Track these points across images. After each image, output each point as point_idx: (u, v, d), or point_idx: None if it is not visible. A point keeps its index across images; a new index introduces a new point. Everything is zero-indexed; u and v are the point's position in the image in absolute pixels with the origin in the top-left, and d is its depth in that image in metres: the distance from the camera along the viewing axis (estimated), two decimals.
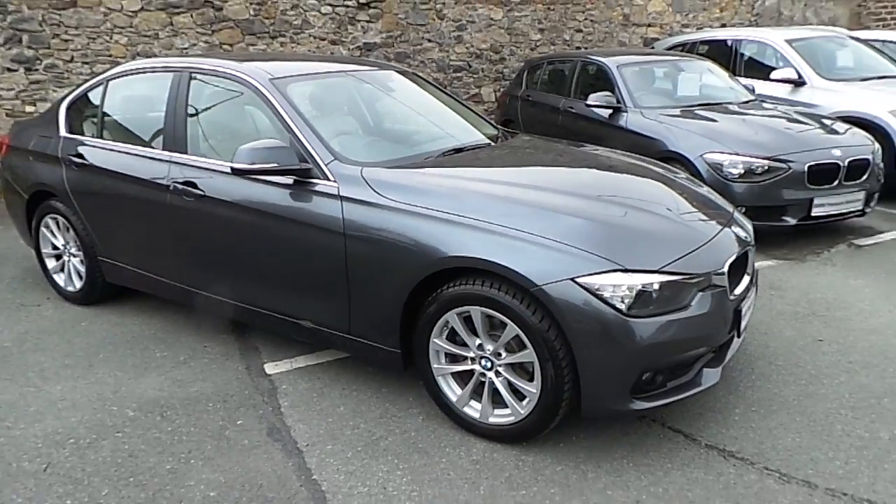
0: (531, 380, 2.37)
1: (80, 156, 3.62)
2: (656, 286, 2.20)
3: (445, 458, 2.44)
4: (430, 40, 8.25)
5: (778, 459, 2.37)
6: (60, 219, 3.83)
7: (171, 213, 3.19)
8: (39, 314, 3.84)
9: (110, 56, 6.73)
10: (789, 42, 6.99)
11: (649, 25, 9.71)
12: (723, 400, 2.77)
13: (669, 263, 2.26)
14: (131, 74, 3.62)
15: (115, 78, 3.67)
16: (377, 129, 3.36)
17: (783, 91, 6.78)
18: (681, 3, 9.84)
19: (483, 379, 2.50)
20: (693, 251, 2.35)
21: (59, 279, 4.02)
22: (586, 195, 2.58)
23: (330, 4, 7.60)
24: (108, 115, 3.66)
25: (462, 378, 2.59)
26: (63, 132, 3.81)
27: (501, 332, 2.39)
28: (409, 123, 3.49)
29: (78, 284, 3.90)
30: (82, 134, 3.75)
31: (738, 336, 2.55)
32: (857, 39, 7.50)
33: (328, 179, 2.75)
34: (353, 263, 2.64)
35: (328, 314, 2.82)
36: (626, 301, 2.16)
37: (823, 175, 4.68)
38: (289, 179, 2.82)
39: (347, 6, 7.69)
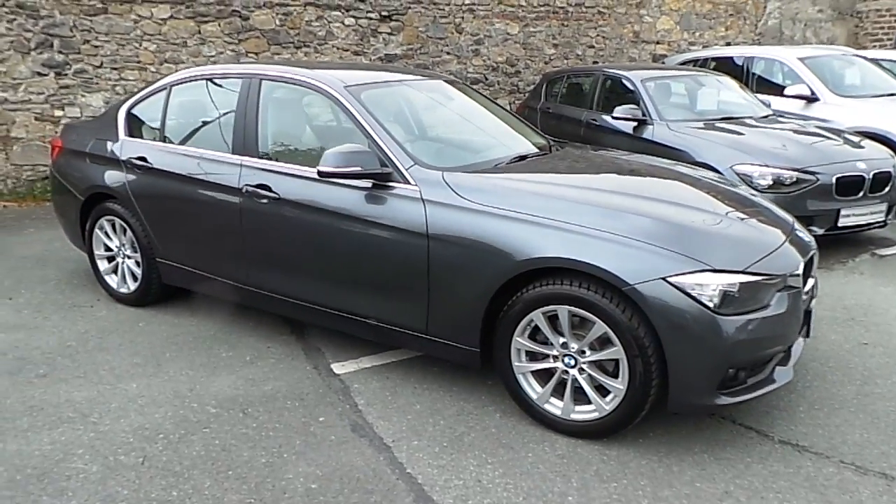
0: (615, 376, 2.47)
1: (144, 159, 3.68)
2: (741, 286, 2.31)
3: (531, 452, 2.53)
4: (448, 53, 8.40)
5: (850, 454, 2.49)
6: (117, 221, 3.88)
7: (243, 216, 3.27)
8: (94, 315, 3.88)
9: (139, 62, 6.79)
10: (801, 60, 7.21)
11: (658, 42, 9.94)
12: (785, 399, 2.89)
13: (752, 264, 2.38)
14: (196, 80, 3.70)
15: (178, 83, 3.74)
16: (442, 136, 3.46)
17: (796, 107, 6.97)
18: (688, 22, 10.10)
19: (565, 376, 2.59)
20: (771, 253, 2.48)
21: (112, 281, 4.06)
22: (660, 199, 2.70)
23: (353, 17, 7.72)
24: (172, 120, 3.73)
25: (540, 376, 2.68)
26: (123, 135, 3.88)
27: (584, 330, 2.49)
28: (469, 131, 3.60)
29: (132, 286, 3.95)
30: (143, 138, 3.82)
31: (808, 336, 2.67)
32: (864, 58, 7.75)
33: (408, 183, 2.84)
34: (436, 265, 2.73)
35: (404, 314, 2.90)
36: (715, 300, 2.28)
37: (849, 187, 4.85)
38: (367, 183, 2.91)
39: (370, 18, 7.82)
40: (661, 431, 2.64)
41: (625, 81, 6.39)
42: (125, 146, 3.82)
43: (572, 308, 2.46)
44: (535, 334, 2.63)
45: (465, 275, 2.67)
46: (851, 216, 4.90)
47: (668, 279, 2.29)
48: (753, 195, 3.21)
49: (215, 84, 3.64)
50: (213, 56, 7.06)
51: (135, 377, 3.12)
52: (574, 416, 2.59)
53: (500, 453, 2.53)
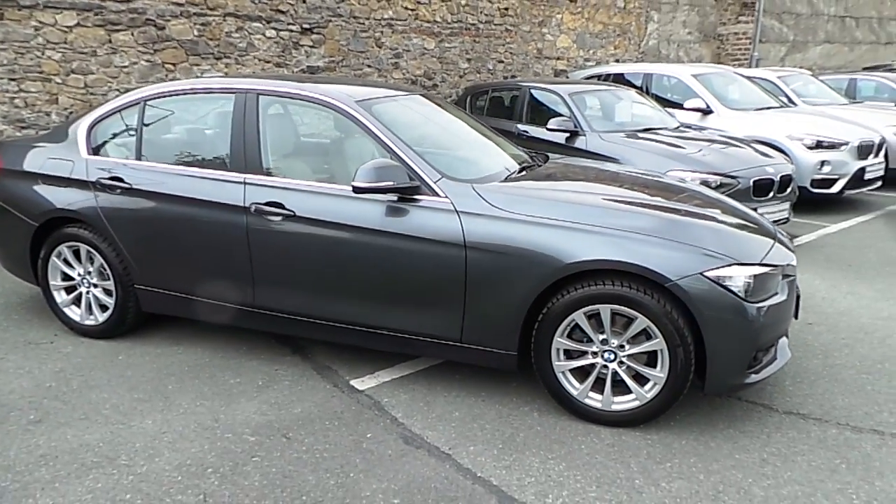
0: (654, 366, 2.70)
1: (119, 179, 3.41)
2: (760, 276, 2.63)
3: (583, 444, 2.69)
4: (369, 66, 8.42)
5: (843, 416, 2.90)
6: (82, 247, 3.55)
7: (250, 235, 3.14)
8: (59, 351, 3.51)
9: (41, 73, 6.16)
10: (694, 76, 8.06)
11: (558, 58, 10.61)
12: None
13: (764, 257, 2.71)
14: (174, 95, 3.49)
15: (153, 98, 3.50)
16: (443, 149, 3.55)
17: (693, 119, 7.78)
18: (583, 41, 10.87)
19: (604, 371, 2.78)
20: (772, 247, 2.83)
21: (73, 313, 3.69)
22: (676, 204, 2.98)
23: (274, 28, 7.53)
24: (150, 137, 3.48)
25: (577, 372, 2.85)
26: (85, 154, 3.56)
27: (619, 326, 2.70)
28: (462, 144, 3.71)
29: (101, 316, 3.62)
30: (113, 156, 3.53)
31: (796, 318, 3.06)
32: (741, 75, 8.80)
33: (437, 196, 2.91)
34: (475, 273, 2.82)
35: (436, 324, 2.96)
36: (743, 289, 2.58)
37: (763, 189, 5.54)
38: (392, 196, 2.94)
39: (291, 31, 7.66)
40: (684, 414, 2.91)
41: (552, 95, 6.81)
42: (92, 165, 3.51)
43: (614, 306, 2.66)
44: (572, 333, 2.80)
45: (505, 281, 2.78)
46: (764, 215, 5.58)
47: (705, 274, 2.56)
48: (730, 199, 3.60)
49: (198, 99, 3.46)
50: (125, 66, 6.57)
51: (145, 413, 2.90)
52: (615, 407, 2.79)
53: (555, 448, 2.66)
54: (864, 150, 7.04)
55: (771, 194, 5.59)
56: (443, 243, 2.85)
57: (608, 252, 2.63)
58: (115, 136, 3.58)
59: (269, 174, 3.19)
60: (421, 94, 3.88)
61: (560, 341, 2.79)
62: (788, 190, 5.79)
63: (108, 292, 3.60)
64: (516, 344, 2.86)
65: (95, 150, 3.58)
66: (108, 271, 3.52)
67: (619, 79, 8.66)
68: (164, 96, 3.50)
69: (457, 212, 2.86)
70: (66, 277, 3.69)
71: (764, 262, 2.69)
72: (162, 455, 2.58)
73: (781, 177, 5.66)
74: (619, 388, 2.79)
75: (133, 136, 3.51)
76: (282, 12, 7.56)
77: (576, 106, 6.51)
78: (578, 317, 2.73)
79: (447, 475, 2.48)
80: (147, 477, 2.43)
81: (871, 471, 2.51)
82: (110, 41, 6.47)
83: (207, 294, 3.36)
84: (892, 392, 3.12)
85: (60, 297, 3.71)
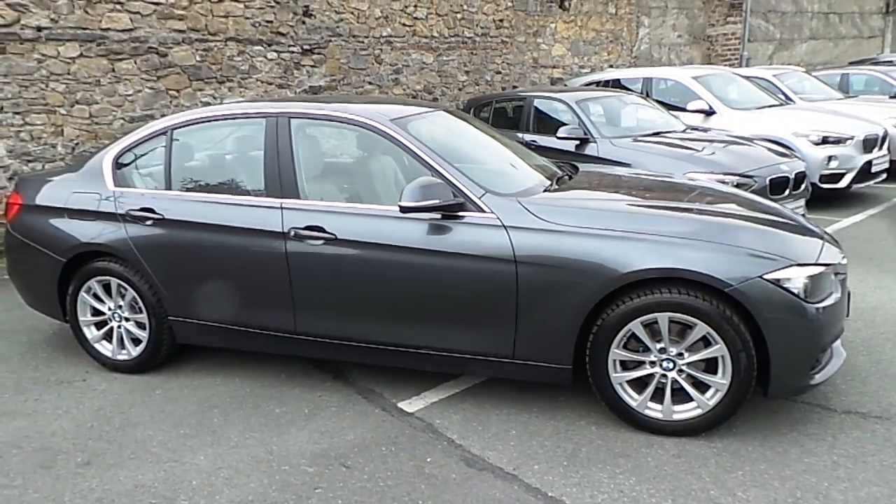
0: (714, 373, 2.67)
1: (150, 210, 3.35)
2: (817, 276, 2.61)
3: (649, 457, 2.64)
4: (370, 83, 8.42)
5: None
6: (113, 280, 3.48)
7: (290, 261, 3.09)
8: (93, 389, 3.43)
9: (46, 105, 6.09)
10: (695, 78, 8.11)
11: (554, 67, 10.66)
12: None
13: (819, 256, 2.70)
14: (200, 123, 3.44)
15: (180, 127, 3.45)
16: (477, 164, 3.51)
17: (697, 120, 7.81)
18: (578, 49, 10.94)
19: (664, 380, 2.75)
20: (823, 247, 2.81)
21: (104, 348, 3.61)
22: (723, 208, 2.96)
23: (275, 51, 7.51)
24: (179, 166, 3.43)
25: (634, 383, 2.81)
26: (112, 186, 3.50)
27: (675, 334, 2.67)
28: (493, 158, 3.67)
29: (134, 351, 3.54)
30: (142, 187, 3.48)
31: (848, 315, 3.05)
32: (738, 75, 8.87)
33: (482, 211, 2.87)
34: (526, 289, 2.78)
35: (488, 341, 2.91)
36: (804, 291, 2.55)
37: (778, 186, 5.55)
38: (436, 214, 2.90)
39: (292, 52, 7.65)
40: (744, 420, 2.87)
41: (558, 104, 6.82)
42: (120, 198, 3.45)
43: (672, 314, 2.63)
44: (627, 343, 2.76)
45: (559, 294, 2.74)
46: None
47: (765, 277, 2.54)
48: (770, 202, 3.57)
49: (227, 125, 3.42)
50: (130, 95, 6.52)
51: (195, 449, 2.82)
52: (676, 417, 2.75)
53: (621, 462, 2.62)
54: (869, 144, 7.10)
55: (787, 192, 5.60)
56: (492, 259, 2.81)
57: (665, 260, 2.60)
58: (142, 166, 3.53)
59: (306, 198, 3.14)
60: (445, 110, 3.85)
61: (617, 352, 2.75)
62: (802, 187, 5.82)
63: (140, 325, 3.52)
64: (571, 357, 2.82)
65: (122, 182, 3.52)
66: (141, 304, 3.45)
67: (618, 84, 8.71)
68: (192, 124, 3.45)
69: (504, 227, 2.82)
70: (96, 312, 3.61)
71: (818, 262, 2.67)
72: (222, 493, 2.51)
73: (796, 174, 5.69)
74: (679, 396, 2.75)
75: (161, 165, 3.45)
76: (282, 34, 7.55)
77: (584, 113, 6.52)
78: (635, 326, 2.69)
79: (518, 497, 2.43)
80: None
81: None
82: (113, 70, 6.41)
83: (246, 323, 3.29)
84: None
85: (91, 332, 3.63)
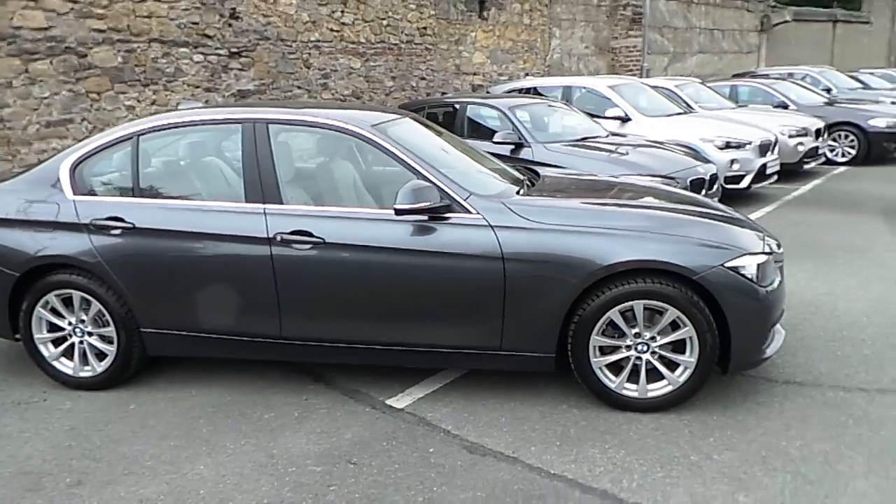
0: (682, 353, 2.98)
1: (118, 219, 3.23)
2: (764, 262, 2.99)
3: (632, 432, 2.91)
4: (299, 87, 8.34)
5: (830, 380, 3.33)
6: (76, 294, 3.32)
7: (276, 265, 3.10)
8: (58, 408, 3.26)
9: None
10: (611, 87, 8.69)
11: (475, 74, 11.01)
12: (790, 352, 3.66)
13: (764, 245, 3.08)
14: (170, 129, 3.36)
15: (147, 133, 3.35)
16: (454, 168, 3.63)
17: (613, 126, 8.37)
18: (496, 57, 11.36)
19: (639, 362, 3.02)
20: (765, 237, 3.21)
21: (64, 366, 3.43)
22: (678, 206, 3.29)
23: (202, 53, 7.28)
24: (149, 173, 3.33)
25: (611, 367, 3.07)
26: (71, 195, 3.34)
27: (647, 320, 2.95)
28: (462, 163, 3.81)
29: (100, 366, 3.39)
30: (106, 195, 3.35)
31: None
32: (647, 85, 9.58)
33: (468, 212, 3.03)
34: (513, 284, 2.97)
35: (475, 335, 3.07)
36: (757, 276, 2.92)
37: (697, 187, 6.11)
38: (423, 216, 3.03)
39: (219, 55, 7.45)
40: (703, 395, 3.18)
41: (491, 110, 7.10)
42: (82, 206, 3.30)
43: (646, 301, 2.91)
44: (604, 330, 3.02)
45: (545, 288, 2.95)
46: None
47: (725, 265, 2.87)
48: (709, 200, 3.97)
49: (198, 131, 3.37)
50: (46, 97, 6.10)
51: (192, 460, 2.77)
52: (650, 394, 3.03)
53: (608, 439, 2.86)
54: (764, 148, 7.92)
55: (703, 192, 6.17)
56: (480, 257, 2.97)
57: (640, 253, 2.88)
58: (105, 174, 3.40)
59: (288, 203, 3.16)
60: (411, 117, 3.98)
61: (597, 339, 3.00)
62: (715, 187, 6.43)
63: (106, 339, 3.38)
64: (555, 346, 3.04)
65: (82, 190, 3.36)
66: (108, 317, 3.31)
67: (537, 91, 9.15)
68: (161, 129, 3.37)
69: (491, 226, 2.99)
70: (54, 328, 3.42)
71: (765, 250, 3.05)
72: (234, 498, 2.50)
73: (710, 175, 6.28)
74: (651, 376, 3.04)
75: (127, 172, 3.34)
76: (209, 37, 7.34)
77: (517, 119, 6.84)
78: (614, 314, 2.95)
79: (524, 476, 2.60)
80: None
81: (872, 423, 2.92)
82: (27, 71, 5.98)
83: (227, 330, 3.26)
84: (857, 355, 3.61)
85: (48, 350, 3.44)
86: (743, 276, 2.89)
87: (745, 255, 2.93)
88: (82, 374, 3.42)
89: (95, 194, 3.37)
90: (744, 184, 7.71)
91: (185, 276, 3.22)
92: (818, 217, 7.04)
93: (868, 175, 9.57)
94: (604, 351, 3.05)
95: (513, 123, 6.80)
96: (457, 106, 7.55)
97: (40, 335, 3.42)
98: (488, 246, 2.97)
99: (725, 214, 3.38)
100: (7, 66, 5.87)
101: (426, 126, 4.02)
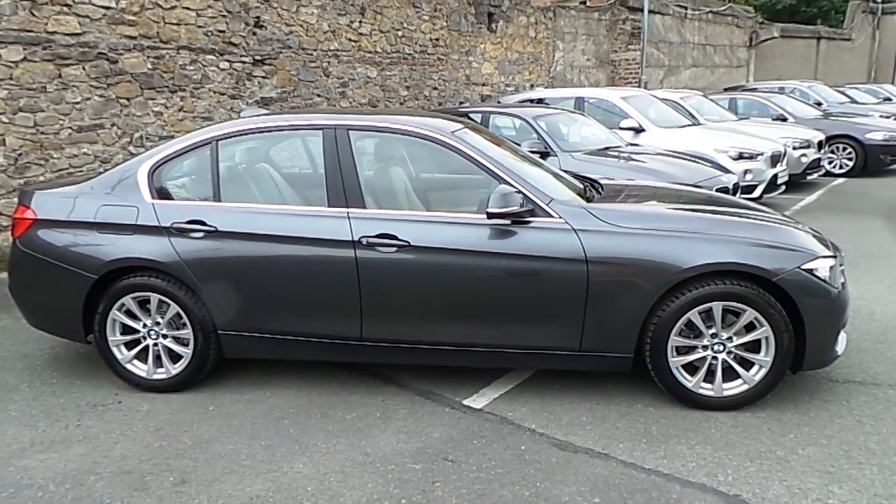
0: (758, 352, 3.09)
1: (200, 222, 3.26)
2: (833, 265, 3.12)
3: (713, 429, 3.00)
4: (319, 95, 8.40)
5: (888, 379, 3.46)
6: (154, 296, 3.33)
7: (360, 268, 3.16)
8: (136, 410, 3.26)
9: None
10: (624, 99, 8.88)
11: (484, 84, 11.16)
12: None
13: (829, 248, 3.21)
14: (248, 134, 3.41)
15: (225, 138, 3.39)
16: (527, 173, 3.67)
17: (627, 137, 8.56)
18: (504, 68, 11.53)
19: (714, 362, 3.13)
20: (827, 240, 3.34)
21: (138, 368, 3.44)
22: (746, 212, 3.41)
23: (227, 60, 7.32)
24: (228, 177, 3.37)
25: (686, 367, 3.16)
26: (150, 199, 3.36)
27: (722, 321, 3.06)
28: (531, 170, 3.84)
29: (174, 368, 3.41)
30: (185, 199, 3.38)
31: None
32: (655, 97, 9.80)
33: (550, 217, 3.12)
34: (596, 286, 3.06)
35: (556, 336, 3.15)
36: (829, 277, 3.05)
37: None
38: (504, 220, 3.11)
39: (244, 62, 7.49)
40: (771, 396, 3.30)
41: (517, 120, 7.23)
42: (162, 210, 3.32)
43: (726, 303, 3.02)
44: (681, 331, 3.12)
45: (626, 289, 3.05)
46: None
47: (801, 267, 3.00)
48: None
49: (277, 137, 3.42)
50: (78, 103, 6.09)
51: (288, 459, 2.81)
52: (726, 393, 3.13)
53: (691, 435, 2.95)
54: (774, 159, 8.15)
55: None
56: (563, 260, 3.06)
57: (721, 255, 2.99)
58: (184, 178, 3.43)
59: (370, 207, 3.23)
60: (470, 127, 4.06)
61: (675, 339, 3.10)
62: (736, 196, 6.61)
63: (181, 342, 3.40)
64: (633, 346, 3.13)
65: (160, 194, 3.39)
66: (186, 319, 3.34)
67: (555, 104, 9.31)
68: (239, 135, 3.41)
69: (574, 230, 3.09)
70: (126, 331, 3.43)
71: (831, 254, 3.19)
72: (343, 495, 2.54)
73: (733, 185, 6.46)
74: (726, 375, 3.14)
75: (207, 177, 3.37)
76: (234, 44, 7.38)
77: (543, 129, 6.97)
78: (693, 315, 3.05)
79: (620, 472, 2.68)
80: None
81: None
82: (60, 76, 5.98)
83: (307, 332, 3.30)
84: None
85: (121, 352, 3.44)
86: (817, 277, 3.01)
87: (818, 257, 3.06)
88: (156, 377, 3.43)
89: (173, 198, 3.40)
90: (756, 193, 7.92)
91: (266, 279, 3.25)
92: (831, 225, 7.25)
93: (868, 185, 9.88)
94: (680, 351, 3.15)
95: (538, 133, 6.93)
96: (479, 115, 7.66)
97: (114, 338, 3.42)
98: (572, 249, 3.06)
99: (789, 220, 3.52)
100: (41, 70, 5.86)
101: (488, 136, 4.11)
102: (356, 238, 3.16)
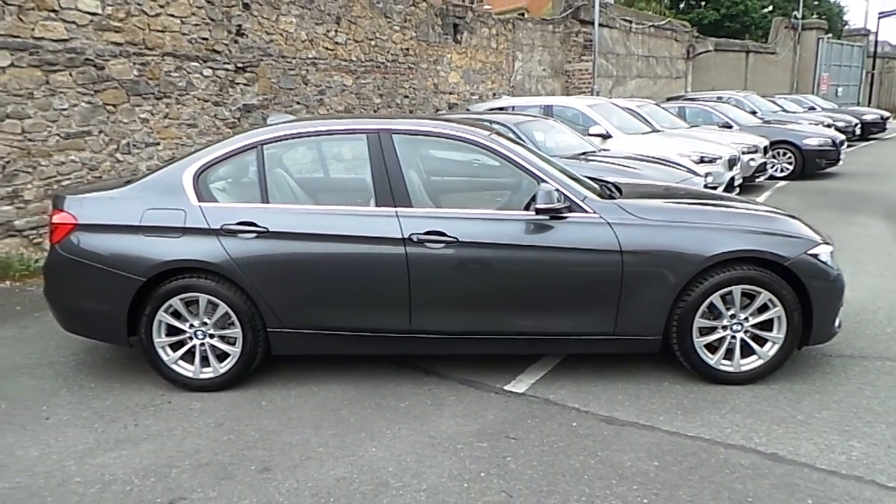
0: (770, 330, 3.45)
1: (251, 223, 3.36)
2: (832, 250, 3.53)
3: (738, 400, 3.33)
4: (298, 102, 8.47)
5: (888, 353, 3.90)
6: (202, 297, 3.39)
7: (410, 264, 3.33)
8: (189, 408, 3.31)
9: None
10: (590, 107, 9.34)
11: (450, 93, 11.46)
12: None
13: (825, 237, 3.62)
14: (294, 138, 3.53)
15: (271, 142, 3.50)
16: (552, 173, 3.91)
17: (597, 143, 9.01)
18: (469, 77, 11.87)
19: (733, 340, 3.47)
20: (818, 230, 3.76)
21: (184, 369, 3.48)
22: (751, 206, 3.79)
23: (210, 67, 7.31)
24: (275, 180, 3.47)
25: (707, 345, 3.49)
26: (196, 202, 3.43)
27: (736, 303, 3.41)
28: (556, 169, 4.09)
29: (222, 367, 3.47)
30: (232, 201, 3.46)
31: None
32: (617, 105, 10.34)
33: (585, 212, 3.40)
34: (630, 274, 3.35)
35: (592, 322, 3.42)
36: (830, 261, 3.44)
37: None
38: (543, 216, 3.37)
39: (227, 69, 7.49)
40: (777, 370, 3.67)
41: (499, 126, 7.51)
42: (210, 212, 3.39)
43: (745, 286, 3.36)
44: (703, 313, 3.45)
45: (657, 276, 3.35)
46: None
47: (808, 253, 3.38)
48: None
49: (321, 141, 3.56)
50: (65, 109, 5.97)
51: (359, 444, 2.95)
52: (743, 368, 3.48)
53: (720, 407, 3.27)
54: (731, 163, 8.77)
55: None
56: (601, 251, 3.34)
57: (740, 244, 3.33)
58: (230, 181, 3.51)
59: (417, 206, 3.41)
60: (496, 133, 4.30)
61: (699, 321, 3.42)
62: None
63: (227, 341, 3.47)
64: (662, 329, 3.43)
65: (206, 197, 3.46)
66: (235, 318, 3.41)
67: (523, 112, 9.67)
68: (285, 139, 3.53)
69: (608, 224, 3.37)
70: (172, 332, 3.47)
71: (828, 240, 3.60)
72: (425, 472, 2.71)
73: (703, 186, 6.96)
74: (743, 352, 3.49)
75: (255, 179, 3.47)
76: (217, 52, 7.37)
77: (524, 135, 7.29)
78: (715, 298, 3.38)
79: (668, 440, 2.96)
80: (437, 490, 2.57)
81: None
82: (48, 82, 5.85)
83: (357, 326, 3.44)
84: (882, 333, 4.23)
85: (166, 354, 3.48)
86: (821, 261, 3.40)
87: (820, 244, 3.46)
88: (203, 376, 3.49)
89: (218, 201, 3.47)
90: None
91: (317, 277, 3.38)
92: None
93: (808, 186, 10.72)
94: (702, 332, 3.47)
95: (520, 139, 7.24)
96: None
97: (160, 339, 3.46)
98: (607, 241, 3.34)
99: (785, 212, 3.92)
100: (29, 76, 5.73)
101: (512, 140, 4.35)
102: (406, 235, 3.34)
